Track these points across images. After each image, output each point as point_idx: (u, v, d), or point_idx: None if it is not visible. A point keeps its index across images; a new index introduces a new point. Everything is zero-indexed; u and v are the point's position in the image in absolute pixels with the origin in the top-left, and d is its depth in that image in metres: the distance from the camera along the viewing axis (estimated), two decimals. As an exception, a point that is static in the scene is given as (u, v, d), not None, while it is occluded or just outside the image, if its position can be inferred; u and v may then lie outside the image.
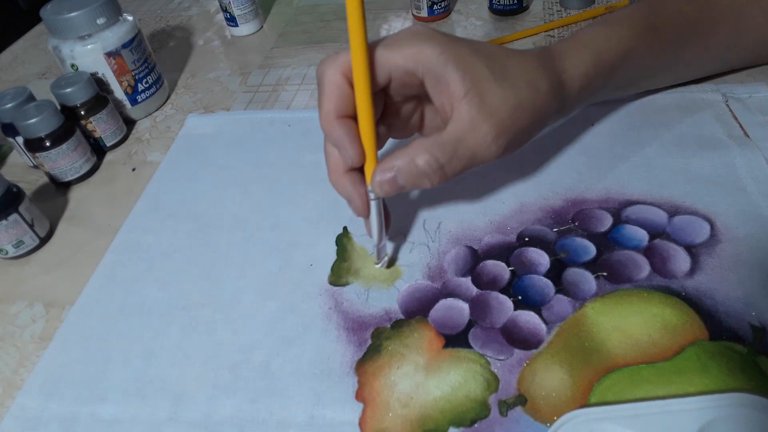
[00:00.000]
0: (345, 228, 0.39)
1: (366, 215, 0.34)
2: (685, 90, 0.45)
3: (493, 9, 0.61)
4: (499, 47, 0.33)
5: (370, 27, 0.64)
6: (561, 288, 0.33)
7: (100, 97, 0.50)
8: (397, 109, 0.34)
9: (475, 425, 0.28)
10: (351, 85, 0.30)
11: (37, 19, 0.65)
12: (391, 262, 0.36)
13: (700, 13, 0.40)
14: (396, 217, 0.39)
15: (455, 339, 0.32)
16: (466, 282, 0.35)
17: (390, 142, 0.37)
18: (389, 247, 0.37)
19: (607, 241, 0.35)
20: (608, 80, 0.37)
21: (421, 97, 0.34)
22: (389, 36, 0.31)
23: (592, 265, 0.34)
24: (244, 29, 0.66)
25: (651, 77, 0.43)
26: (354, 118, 0.31)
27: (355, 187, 0.32)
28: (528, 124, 0.32)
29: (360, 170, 0.32)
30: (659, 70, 0.42)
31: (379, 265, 0.36)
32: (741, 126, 0.41)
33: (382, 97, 0.33)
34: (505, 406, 0.29)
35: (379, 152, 0.33)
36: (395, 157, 0.31)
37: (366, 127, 0.30)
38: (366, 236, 0.38)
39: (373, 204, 0.33)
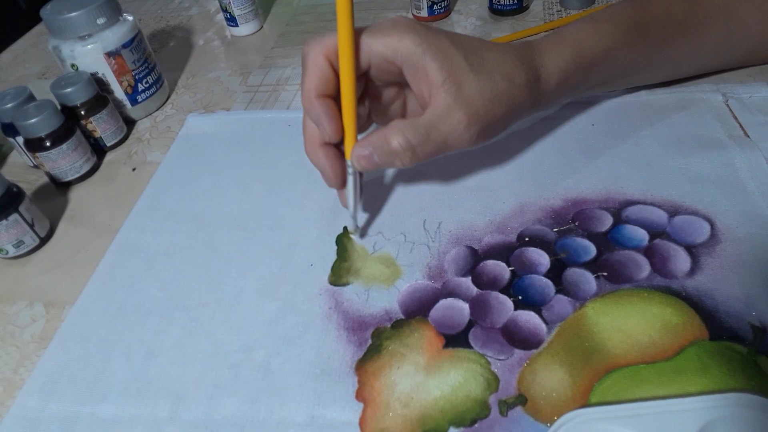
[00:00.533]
0: (345, 228, 0.39)
1: (337, 186, 0.36)
2: (685, 90, 0.45)
3: (493, 9, 0.61)
4: (480, 40, 0.34)
5: (370, 27, 0.64)
6: (561, 288, 0.33)
7: (100, 97, 0.50)
8: (378, 94, 0.36)
9: (476, 425, 0.28)
10: (333, 66, 0.32)
11: (37, 19, 0.65)
12: (362, 233, 0.39)
13: (690, 11, 0.40)
14: (396, 218, 0.39)
15: (455, 339, 0.32)
16: (467, 282, 0.35)
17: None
18: (361, 220, 0.39)
19: (607, 241, 0.35)
20: (587, 76, 0.38)
21: (402, 84, 0.35)
22: (372, 24, 0.33)
23: (592, 265, 0.34)
24: (244, 29, 0.66)
25: (635, 74, 0.43)
26: (333, 98, 0.33)
27: (329, 160, 0.34)
28: (502, 115, 0.33)
29: (334, 146, 0.35)
30: (644, 68, 0.42)
31: (355, 236, 0.38)
32: (741, 126, 0.41)
33: (363, 80, 0.34)
34: (505, 406, 0.29)
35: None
36: (372, 135, 0.33)
37: (347, 106, 0.32)
38: (366, 237, 0.38)
39: (349, 177, 0.35)
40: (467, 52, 0.32)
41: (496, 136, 0.34)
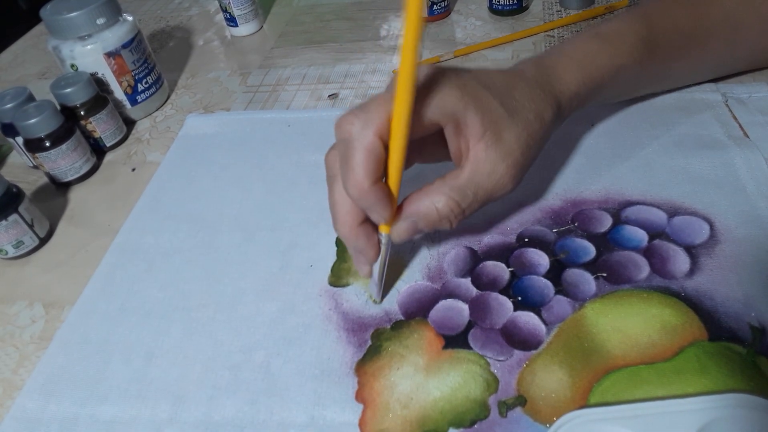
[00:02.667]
0: None
1: (373, 262, 0.33)
2: (684, 90, 0.45)
3: (492, 9, 0.61)
4: (503, 76, 0.33)
5: (370, 28, 0.64)
6: (561, 289, 0.33)
7: (100, 97, 0.50)
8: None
9: (475, 426, 0.28)
10: (385, 146, 0.28)
11: (37, 19, 0.65)
12: (385, 292, 0.35)
13: (696, 25, 0.40)
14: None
15: (455, 340, 0.32)
16: (466, 283, 0.35)
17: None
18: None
19: (606, 242, 0.35)
20: (597, 95, 0.38)
21: (426, 136, 0.32)
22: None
23: (591, 266, 0.34)
24: (244, 29, 0.66)
25: (642, 88, 0.43)
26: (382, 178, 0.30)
27: (368, 238, 0.31)
28: (536, 154, 0.33)
29: (368, 221, 0.31)
30: (650, 82, 0.42)
31: (379, 300, 0.35)
32: (741, 126, 0.41)
33: None
34: (504, 407, 0.29)
35: None
36: (415, 202, 0.31)
37: (395, 183, 0.30)
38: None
39: (383, 250, 0.32)
40: (501, 97, 0.31)
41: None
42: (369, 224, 0.32)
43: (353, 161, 0.28)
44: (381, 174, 0.29)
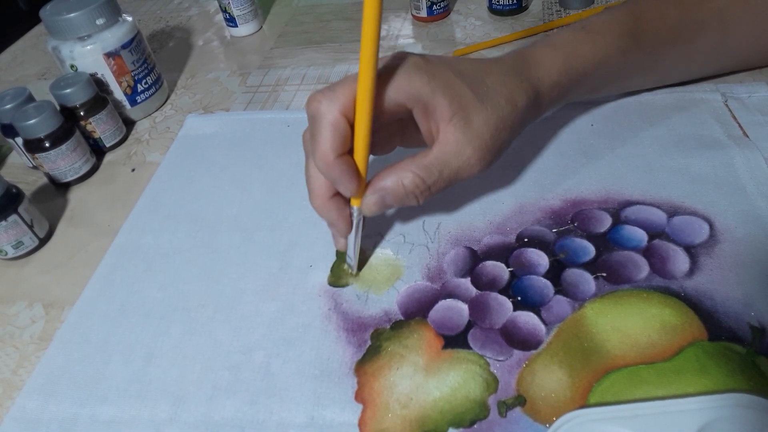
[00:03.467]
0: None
1: (347, 234, 0.35)
2: (684, 90, 0.45)
3: (492, 9, 0.61)
4: (478, 62, 0.34)
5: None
6: (560, 289, 0.33)
7: (100, 97, 0.50)
8: (378, 131, 0.35)
9: (475, 426, 0.28)
10: (350, 123, 0.30)
11: (37, 20, 0.64)
12: (362, 263, 0.37)
13: (685, 17, 0.40)
14: (395, 218, 0.39)
15: (455, 340, 0.32)
16: (466, 283, 0.35)
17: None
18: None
19: (606, 242, 0.35)
20: (579, 86, 0.38)
21: (404, 119, 0.34)
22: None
23: (591, 266, 0.34)
24: (244, 30, 0.66)
25: (627, 81, 0.43)
26: (349, 153, 0.31)
27: (340, 211, 0.33)
28: (507, 138, 0.34)
29: (340, 195, 0.33)
30: (636, 75, 0.42)
31: (355, 272, 0.36)
32: (740, 126, 0.41)
33: None
34: (504, 407, 0.29)
35: None
36: (383, 177, 0.32)
37: (361, 158, 0.31)
38: (366, 237, 0.38)
39: (354, 223, 0.34)
40: (471, 82, 0.32)
41: (500, 158, 0.35)
42: (340, 198, 0.33)
43: (319, 136, 0.30)
44: (346, 149, 0.30)
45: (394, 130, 0.35)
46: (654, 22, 0.39)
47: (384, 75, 0.30)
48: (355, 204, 0.33)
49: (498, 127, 0.33)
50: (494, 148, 0.33)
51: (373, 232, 0.39)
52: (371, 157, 0.36)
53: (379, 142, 0.35)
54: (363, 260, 0.37)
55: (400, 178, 0.32)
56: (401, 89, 0.30)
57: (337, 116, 0.29)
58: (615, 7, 0.40)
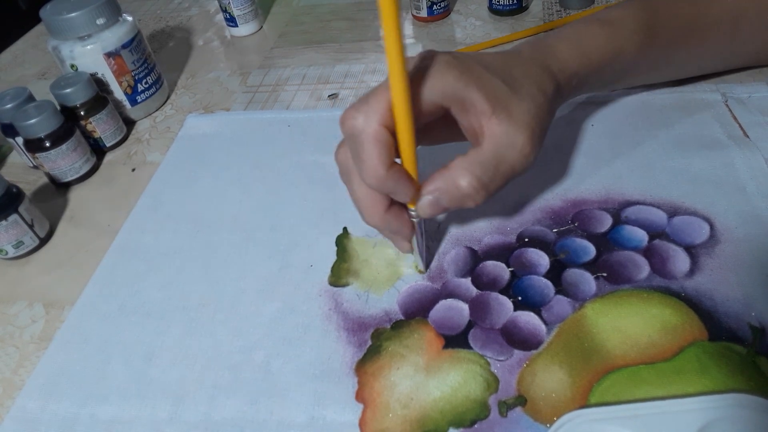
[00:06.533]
0: (345, 228, 0.39)
1: (412, 239, 0.34)
2: (684, 90, 0.45)
3: (492, 9, 0.61)
4: (501, 56, 0.33)
5: (370, 28, 0.64)
6: (561, 289, 0.33)
7: (100, 97, 0.50)
8: (421, 129, 0.34)
9: (475, 426, 0.28)
10: (391, 132, 0.29)
11: (37, 20, 0.65)
12: (429, 259, 0.37)
13: (698, 15, 0.40)
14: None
15: (455, 340, 0.32)
16: (466, 283, 0.35)
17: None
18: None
19: (606, 242, 0.35)
20: (594, 78, 0.38)
21: (443, 117, 0.33)
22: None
23: (591, 266, 0.34)
24: (244, 29, 0.66)
25: (639, 76, 0.43)
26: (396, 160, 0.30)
27: (400, 219, 0.32)
28: (547, 126, 0.33)
29: (394, 202, 0.32)
30: (649, 70, 0.42)
31: (425, 269, 0.36)
32: (740, 126, 0.41)
33: None
34: (504, 407, 0.29)
35: None
36: (437, 179, 0.31)
37: (410, 164, 0.30)
38: (366, 236, 0.38)
39: (417, 225, 0.33)
40: (502, 75, 0.31)
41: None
42: (396, 206, 0.32)
43: (364, 154, 0.28)
44: (393, 159, 0.29)
45: (423, 130, 0.34)
46: (668, 18, 0.39)
47: (416, 77, 0.29)
48: (412, 206, 0.32)
49: (538, 116, 0.32)
50: (541, 136, 0.32)
51: (374, 231, 0.39)
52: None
53: (421, 139, 0.34)
54: (430, 255, 0.36)
55: (454, 178, 0.30)
56: (436, 89, 0.29)
57: (378, 128, 0.28)
58: (629, 2, 0.40)
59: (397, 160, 0.30)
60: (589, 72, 0.36)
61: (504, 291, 0.34)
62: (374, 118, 0.28)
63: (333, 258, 0.38)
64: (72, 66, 0.51)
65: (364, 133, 0.28)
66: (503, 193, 0.39)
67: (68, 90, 0.48)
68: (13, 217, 0.40)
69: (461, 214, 0.39)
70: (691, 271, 0.33)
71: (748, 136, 0.40)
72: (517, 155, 0.31)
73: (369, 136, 0.28)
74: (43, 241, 0.43)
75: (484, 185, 0.30)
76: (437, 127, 0.33)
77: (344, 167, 0.32)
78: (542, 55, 0.35)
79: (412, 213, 0.32)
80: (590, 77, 0.37)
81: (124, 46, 0.51)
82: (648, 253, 0.34)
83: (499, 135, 0.30)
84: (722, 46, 0.43)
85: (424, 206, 0.31)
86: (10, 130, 0.48)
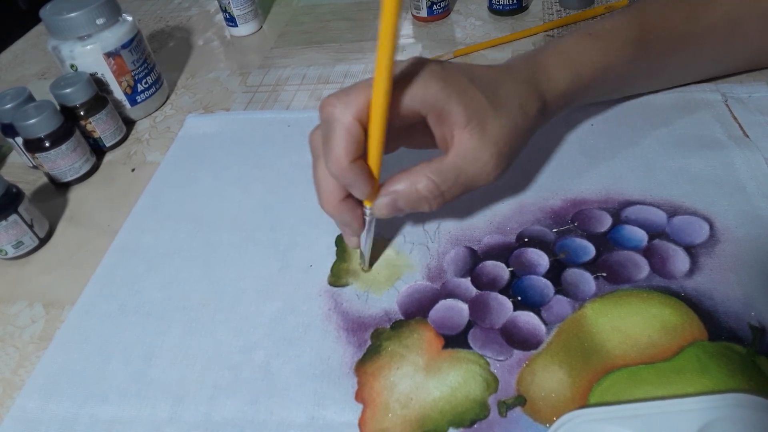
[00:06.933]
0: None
1: (359, 234, 0.35)
2: (684, 90, 0.45)
3: (492, 9, 0.61)
4: (492, 69, 0.34)
5: (370, 28, 0.64)
6: (560, 288, 0.33)
7: (100, 97, 0.50)
8: (402, 130, 0.34)
9: (475, 426, 0.28)
10: (363, 128, 0.30)
11: (37, 19, 0.64)
12: (372, 260, 0.37)
13: (692, 23, 0.40)
14: (396, 218, 0.39)
15: (455, 340, 0.32)
16: (466, 283, 0.35)
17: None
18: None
19: (606, 242, 0.35)
20: (586, 93, 0.38)
21: (414, 123, 0.33)
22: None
23: (591, 266, 0.34)
24: (244, 29, 0.66)
25: (634, 86, 0.43)
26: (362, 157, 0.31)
27: (352, 212, 0.33)
28: (519, 146, 0.34)
29: (351, 195, 0.33)
30: (643, 80, 0.42)
31: (368, 268, 0.37)
32: (740, 126, 0.41)
33: None
34: (504, 407, 0.29)
35: None
36: (397, 181, 0.32)
37: (375, 163, 0.31)
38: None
39: (367, 223, 0.34)
40: (486, 88, 0.32)
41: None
42: (351, 199, 0.33)
43: (333, 141, 0.29)
44: (359, 153, 0.30)
45: (402, 132, 0.35)
46: (661, 28, 0.39)
47: (400, 81, 0.30)
48: (368, 204, 0.33)
49: (512, 135, 0.32)
50: (509, 155, 0.33)
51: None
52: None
53: (388, 144, 0.34)
54: (375, 255, 0.37)
55: (413, 182, 0.31)
56: (417, 97, 0.30)
57: (352, 121, 0.29)
58: (621, 12, 0.40)
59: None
60: (578, 90, 0.37)
61: (504, 291, 0.34)
62: (350, 111, 0.29)
63: (333, 258, 0.38)
64: (72, 66, 0.51)
65: (337, 122, 0.29)
66: (503, 193, 0.40)
67: (68, 90, 0.48)
68: (13, 217, 0.40)
69: (461, 214, 0.39)
70: (691, 271, 0.33)
71: (748, 136, 0.40)
72: (479, 171, 0.32)
73: (341, 126, 0.29)
74: (43, 241, 0.43)
75: (441, 192, 0.32)
76: (417, 131, 0.34)
77: (314, 149, 0.33)
78: (532, 73, 0.35)
79: (366, 211, 0.33)
80: (580, 94, 0.37)
81: (123, 46, 0.51)
82: (648, 252, 0.34)
83: (466, 147, 0.31)
84: (719, 53, 0.42)
85: (380, 206, 0.32)
86: (10, 130, 0.48)
